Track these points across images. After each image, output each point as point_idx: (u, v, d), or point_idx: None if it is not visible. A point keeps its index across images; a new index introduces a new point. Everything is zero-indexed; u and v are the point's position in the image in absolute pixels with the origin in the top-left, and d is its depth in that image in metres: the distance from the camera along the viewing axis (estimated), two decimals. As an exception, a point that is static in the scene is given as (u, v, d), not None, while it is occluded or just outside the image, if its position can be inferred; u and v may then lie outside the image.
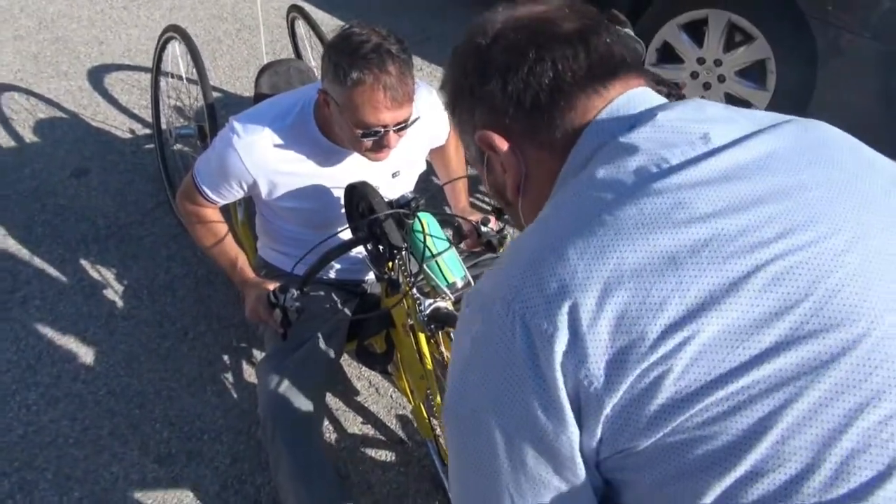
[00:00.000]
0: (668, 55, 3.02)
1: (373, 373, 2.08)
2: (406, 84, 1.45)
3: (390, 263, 1.55)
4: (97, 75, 3.23)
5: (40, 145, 2.83)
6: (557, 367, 0.57)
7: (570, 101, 0.70)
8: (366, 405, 2.02)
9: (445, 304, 1.54)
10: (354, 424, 1.97)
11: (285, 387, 1.58)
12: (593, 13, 0.74)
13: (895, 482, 0.52)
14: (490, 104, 0.73)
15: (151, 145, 2.81)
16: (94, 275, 2.33)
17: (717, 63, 2.87)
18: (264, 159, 1.58)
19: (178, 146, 2.61)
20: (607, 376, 0.56)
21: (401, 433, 1.96)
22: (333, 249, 1.51)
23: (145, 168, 2.75)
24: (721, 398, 0.55)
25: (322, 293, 1.77)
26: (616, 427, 0.57)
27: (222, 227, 1.76)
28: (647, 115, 0.67)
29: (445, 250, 1.48)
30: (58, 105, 3.04)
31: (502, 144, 0.73)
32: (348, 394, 2.04)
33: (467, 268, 1.53)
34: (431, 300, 1.53)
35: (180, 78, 2.74)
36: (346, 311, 1.77)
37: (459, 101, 0.77)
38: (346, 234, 1.61)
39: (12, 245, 2.41)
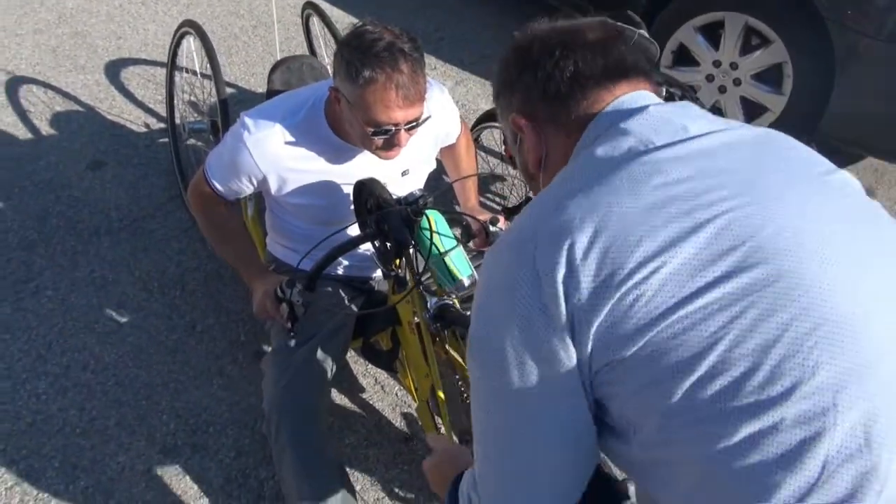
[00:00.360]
0: (684, 57, 2.99)
1: (379, 370, 2.08)
2: (418, 83, 1.45)
3: (397, 260, 1.55)
4: (114, 69, 3.26)
5: (56, 138, 2.85)
6: (559, 293, 0.73)
7: (585, 93, 0.87)
8: (371, 402, 2.02)
9: (452, 302, 1.54)
10: (359, 421, 1.97)
11: (290, 382, 1.58)
12: (615, 28, 0.93)
13: (816, 380, 0.67)
14: (523, 92, 0.92)
15: (165, 140, 2.83)
16: (106, 267, 2.35)
17: (734, 66, 2.85)
18: (274, 155, 1.58)
19: (191, 141, 2.63)
20: (594, 298, 0.72)
21: (406, 431, 1.96)
22: (341, 245, 1.52)
23: (159, 162, 2.77)
24: (682, 316, 0.70)
25: (329, 289, 1.77)
26: (603, 341, 0.72)
27: (232, 222, 1.76)
28: (643, 109, 0.84)
29: (453, 248, 1.47)
30: (75, 98, 3.07)
31: (528, 128, 0.92)
32: (354, 391, 2.04)
33: (475, 267, 1.52)
34: (438, 298, 1.53)
35: (195, 73, 2.76)
36: (353, 307, 1.77)
37: (502, 90, 0.96)
38: (354, 231, 1.61)
39: (26, 235, 2.43)
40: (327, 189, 1.66)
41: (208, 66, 2.27)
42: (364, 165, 1.64)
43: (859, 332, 0.69)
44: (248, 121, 1.58)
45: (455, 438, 1.53)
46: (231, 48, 3.47)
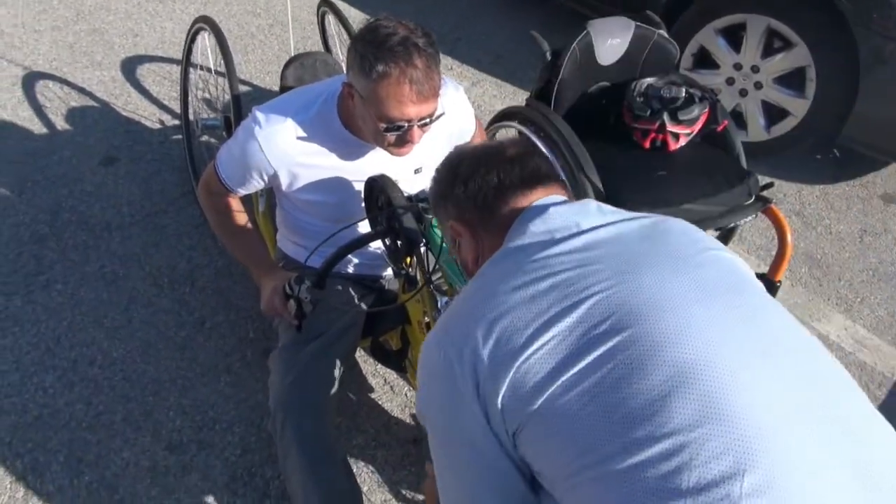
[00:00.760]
0: (704, 60, 2.95)
1: (388, 370, 2.05)
2: (432, 78, 1.42)
3: (408, 259, 1.52)
4: (130, 66, 3.27)
5: (71, 133, 2.86)
6: (467, 373, 0.90)
7: (507, 200, 1.05)
8: (380, 402, 1.99)
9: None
10: (367, 421, 1.94)
11: (297, 379, 1.56)
12: (530, 144, 1.17)
13: (674, 420, 0.79)
14: (455, 202, 1.09)
15: (179, 136, 2.83)
16: (117, 262, 2.34)
17: (755, 69, 2.80)
18: (285, 150, 1.56)
19: (204, 137, 2.62)
20: (495, 376, 0.87)
21: (415, 432, 1.93)
22: (351, 243, 1.49)
23: (172, 159, 2.77)
24: (565, 380, 0.84)
25: (339, 287, 1.75)
26: (509, 408, 0.87)
27: (242, 218, 1.75)
28: (545, 211, 1.01)
29: (464, 247, 1.44)
30: (90, 94, 3.07)
31: (465, 232, 1.10)
32: (362, 390, 2.02)
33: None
34: (448, 297, 1.50)
35: (209, 70, 2.75)
36: (363, 305, 1.75)
37: (439, 201, 1.14)
38: (365, 228, 1.58)
39: (38, 229, 2.43)
40: (338, 185, 1.64)
41: (223, 62, 2.26)
42: (376, 162, 1.61)
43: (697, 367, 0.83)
44: (260, 115, 1.56)
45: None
46: (247, 46, 3.47)
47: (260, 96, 3.12)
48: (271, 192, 1.91)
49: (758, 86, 2.83)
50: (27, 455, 1.80)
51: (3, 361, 2.01)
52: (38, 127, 2.87)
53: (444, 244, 1.42)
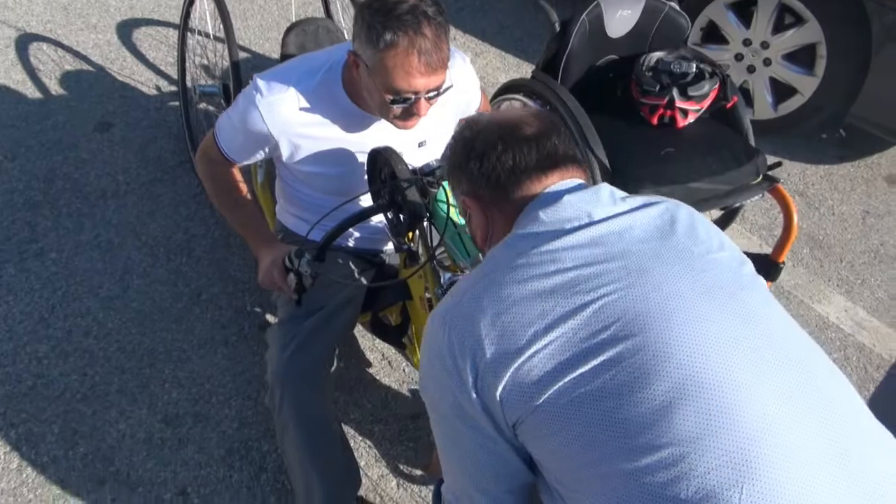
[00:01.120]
0: (714, 35, 2.89)
1: (386, 345, 2.03)
2: (441, 49, 1.37)
3: (410, 234, 1.49)
4: (126, 29, 3.19)
5: (65, 97, 2.80)
6: (468, 364, 0.90)
7: (521, 182, 1.03)
8: (378, 378, 1.98)
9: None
10: (365, 397, 1.93)
11: (295, 353, 1.54)
12: (550, 121, 1.07)
13: (674, 427, 0.80)
14: (469, 177, 1.06)
15: (176, 103, 2.77)
16: (112, 231, 2.30)
17: (764, 45, 2.75)
18: (287, 120, 1.52)
19: (202, 105, 2.56)
20: (495, 371, 0.88)
21: (413, 408, 1.91)
22: (352, 216, 1.46)
23: (169, 125, 2.71)
24: (567, 382, 0.85)
25: (339, 261, 1.71)
26: (509, 402, 0.88)
27: (240, 188, 1.70)
28: (558, 198, 0.98)
29: (469, 222, 1.41)
30: (85, 58, 3.00)
31: (475, 207, 1.07)
32: (360, 366, 2.00)
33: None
34: (451, 273, 1.47)
35: (207, 35, 2.69)
36: (363, 280, 1.72)
37: (452, 171, 1.11)
38: (367, 201, 1.55)
39: (32, 196, 2.39)
40: (341, 157, 1.60)
41: (221, 28, 2.20)
42: (380, 134, 1.57)
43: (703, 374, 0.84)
44: (261, 83, 1.51)
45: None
46: (246, 11, 3.39)
47: (259, 63, 3.05)
48: (270, 162, 1.87)
49: (766, 62, 2.78)
50: (21, 426, 1.78)
51: (-4, 330, 1.99)
52: (31, 90, 2.81)
53: (449, 220, 1.38)
